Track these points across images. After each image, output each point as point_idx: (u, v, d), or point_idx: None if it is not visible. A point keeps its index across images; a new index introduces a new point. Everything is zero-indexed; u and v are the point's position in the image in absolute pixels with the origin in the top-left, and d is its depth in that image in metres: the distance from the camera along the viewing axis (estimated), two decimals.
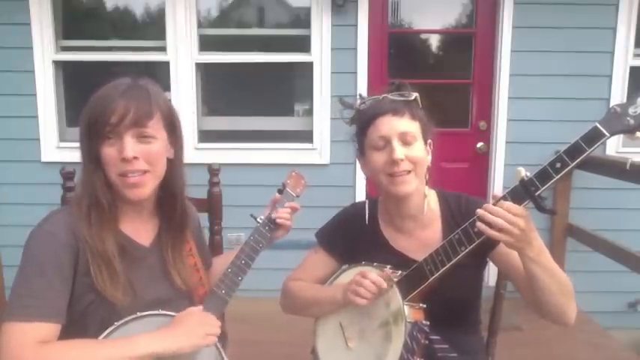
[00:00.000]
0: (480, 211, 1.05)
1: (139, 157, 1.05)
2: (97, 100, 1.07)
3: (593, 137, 0.97)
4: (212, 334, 1.09)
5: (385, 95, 1.25)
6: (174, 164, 1.15)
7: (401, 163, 1.19)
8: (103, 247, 1.05)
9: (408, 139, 1.20)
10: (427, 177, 1.28)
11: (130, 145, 1.04)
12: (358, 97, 1.32)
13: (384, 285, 1.16)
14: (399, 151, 1.19)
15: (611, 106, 1.00)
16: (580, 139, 0.98)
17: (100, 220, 1.07)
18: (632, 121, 0.97)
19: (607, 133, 0.97)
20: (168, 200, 1.17)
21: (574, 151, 0.98)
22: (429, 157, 1.28)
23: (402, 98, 1.24)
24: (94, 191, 1.06)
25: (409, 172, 1.21)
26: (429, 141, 1.28)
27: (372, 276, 1.17)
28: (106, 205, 1.07)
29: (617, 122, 0.97)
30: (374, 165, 1.25)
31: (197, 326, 1.06)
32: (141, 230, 1.16)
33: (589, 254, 3.05)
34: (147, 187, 1.09)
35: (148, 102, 1.07)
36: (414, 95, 1.25)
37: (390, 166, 1.21)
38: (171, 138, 1.13)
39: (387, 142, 1.21)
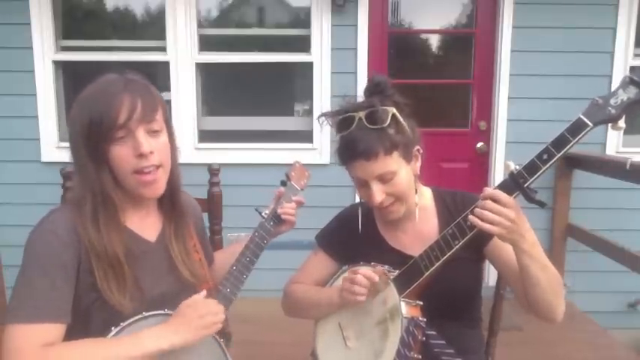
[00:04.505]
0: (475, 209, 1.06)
1: (154, 152, 1.03)
2: (95, 99, 1.01)
3: (577, 128, 1.01)
4: (216, 322, 1.07)
5: (360, 117, 1.18)
6: (172, 157, 1.14)
7: (384, 201, 1.21)
8: (111, 250, 1.02)
9: (387, 178, 1.20)
10: (416, 181, 1.28)
11: (146, 140, 1.01)
12: (332, 110, 1.29)
13: (376, 278, 1.16)
14: (378, 195, 1.20)
15: (593, 98, 1.02)
16: (565, 130, 1.02)
17: (108, 219, 1.04)
18: (613, 111, 1.00)
19: (590, 124, 1.00)
20: (170, 193, 1.16)
21: (560, 142, 1.02)
22: (419, 164, 1.27)
23: (375, 127, 1.17)
24: (102, 190, 1.02)
25: (394, 203, 1.24)
26: (417, 147, 1.25)
27: (362, 270, 1.17)
28: (118, 203, 1.05)
29: (600, 112, 1.01)
30: (361, 196, 1.28)
31: (199, 318, 1.04)
32: (146, 226, 1.15)
33: (589, 254, 3.05)
34: (161, 182, 1.08)
35: (151, 95, 1.05)
36: (389, 117, 1.17)
37: (376, 204, 1.22)
38: (168, 130, 1.11)
39: (366, 183, 1.21)
